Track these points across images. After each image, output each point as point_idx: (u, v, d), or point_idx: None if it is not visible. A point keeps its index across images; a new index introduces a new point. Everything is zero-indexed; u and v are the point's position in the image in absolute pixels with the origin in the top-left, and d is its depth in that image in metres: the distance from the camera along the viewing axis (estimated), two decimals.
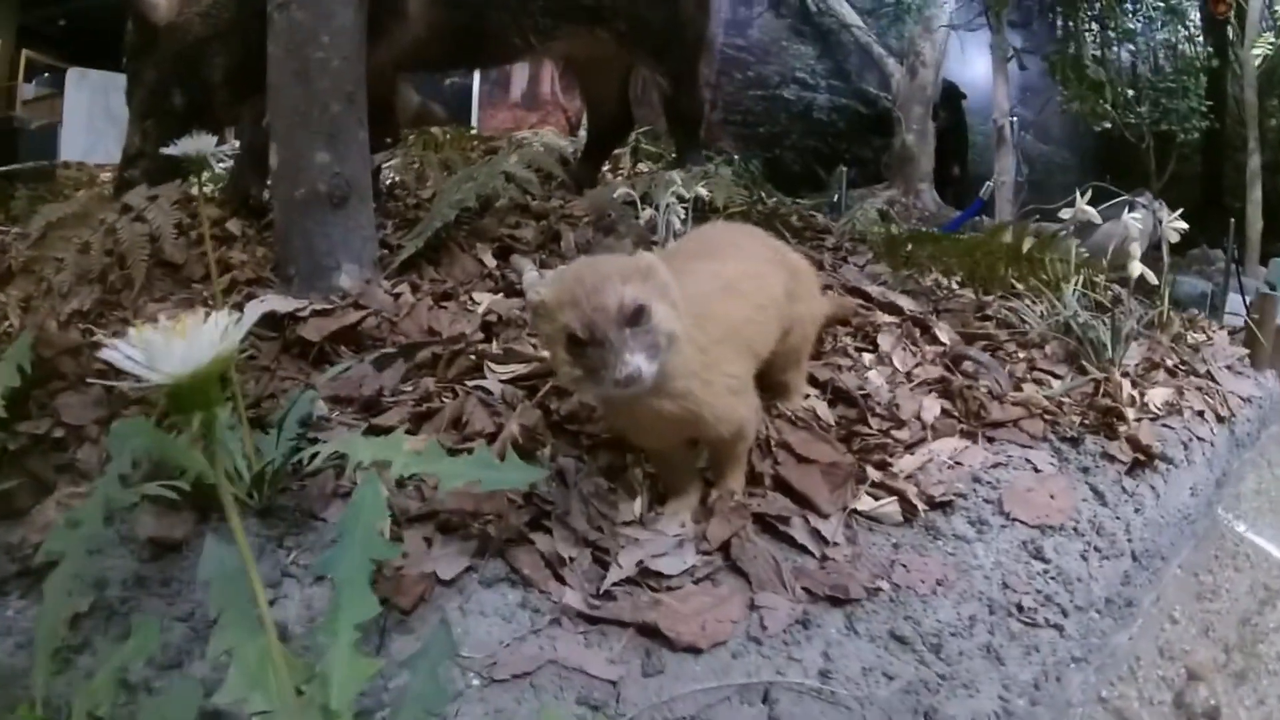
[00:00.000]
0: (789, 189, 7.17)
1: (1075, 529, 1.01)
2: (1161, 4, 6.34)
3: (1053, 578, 0.92)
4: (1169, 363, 1.66)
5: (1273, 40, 6.05)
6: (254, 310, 0.47)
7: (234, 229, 1.74)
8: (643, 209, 1.74)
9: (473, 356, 1.09)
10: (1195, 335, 2.00)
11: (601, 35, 2.25)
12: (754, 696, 0.66)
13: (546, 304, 0.68)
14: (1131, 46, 6.44)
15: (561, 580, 0.73)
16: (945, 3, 5.94)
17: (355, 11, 1.40)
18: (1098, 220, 1.83)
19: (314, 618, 0.70)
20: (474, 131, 3.20)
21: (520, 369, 1.06)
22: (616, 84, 2.49)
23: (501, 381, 1.03)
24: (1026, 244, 1.91)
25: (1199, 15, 6.50)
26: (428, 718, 0.53)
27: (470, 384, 1.02)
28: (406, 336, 1.19)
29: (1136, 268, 1.67)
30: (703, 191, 1.79)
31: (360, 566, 0.57)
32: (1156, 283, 1.77)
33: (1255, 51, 6.10)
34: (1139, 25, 6.49)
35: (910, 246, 2.10)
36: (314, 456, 0.82)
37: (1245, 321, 2.18)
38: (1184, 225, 2.07)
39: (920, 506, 0.94)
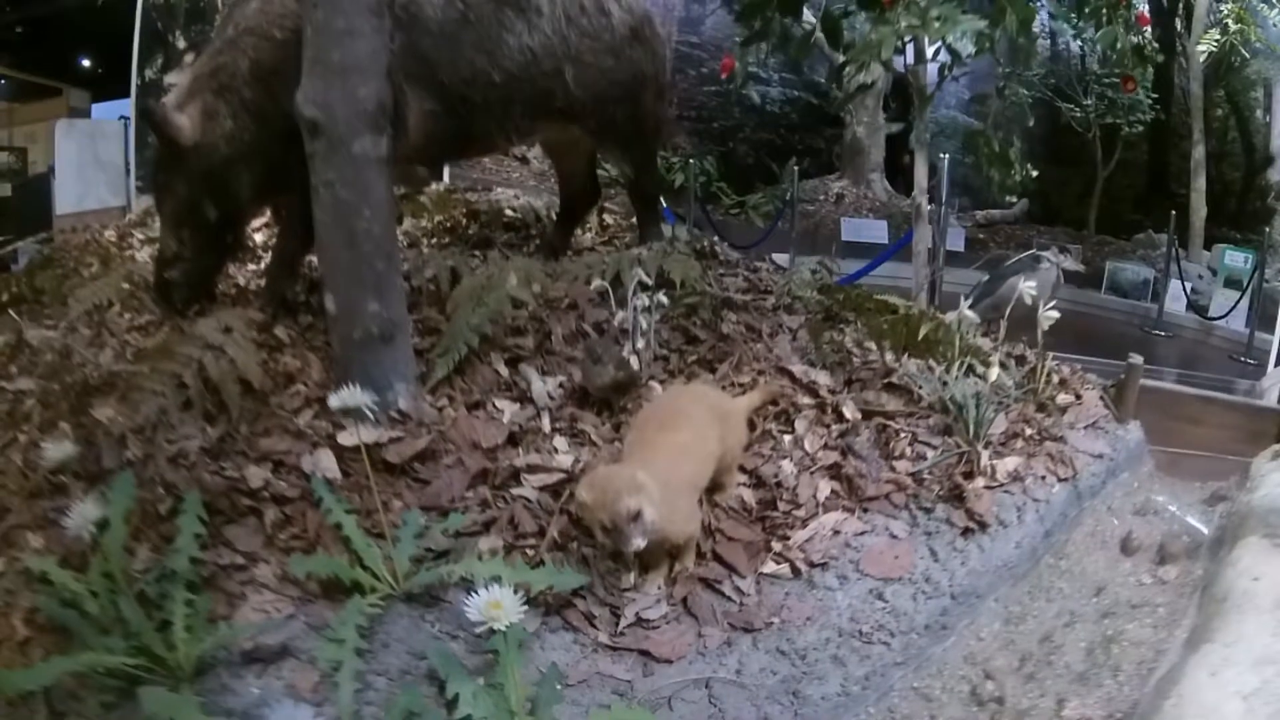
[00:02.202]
0: (743, 183, 8.01)
1: (910, 579, 1.82)
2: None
3: (888, 613, 1.73)
4: (1028, 432, 2.48)
5: (1218, 37, 7.04)
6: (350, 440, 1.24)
7: (281, 335, 2.46)
8: (615, 311, 2.49)
9: (511, 467, 1.86)
10: (1066, 396, 2.83)
11: (573, 130, 3.02)
12: (701, 685, 1.45)
13: (587, 504, 1.46)
14: (1079, 41, 7.41)
15: (595, 626, 1.51)
16: None
17: (388, 185, 2.13)
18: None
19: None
20: (450, 190, 3.93)
21: (547, 479, 1.83)
22: (585, 163, 3.27)
23: (535, 489, 1.80)
24: (924, 329, 2.72)
25: (1147, 8, 7.51)
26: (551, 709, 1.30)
27: (514, 492, 1.79)
28: (456, 446, 1.95)
29: (1047, 320, 2.49)
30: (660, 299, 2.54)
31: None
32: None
33: (1200, 47, 7.08)
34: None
35: (831, 322, 2.90)
36: (444, 567, 1.58)
37: (1111, 384, 2.99)
38: (1080, 267, 2.93)
39: (804, 568, 1.74)
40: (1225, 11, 7.08)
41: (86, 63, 11.57)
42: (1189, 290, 7.07)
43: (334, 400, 1.64)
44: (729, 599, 1.64)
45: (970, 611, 1.90)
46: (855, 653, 1.63)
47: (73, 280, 3.55)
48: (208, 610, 1.59)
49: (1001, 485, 2.21)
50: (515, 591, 1.28)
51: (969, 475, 2.19)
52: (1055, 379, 2.84)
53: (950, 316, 2.80)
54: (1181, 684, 1.63)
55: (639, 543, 1.44)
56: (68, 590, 1.63)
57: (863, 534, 1.90)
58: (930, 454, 2.25)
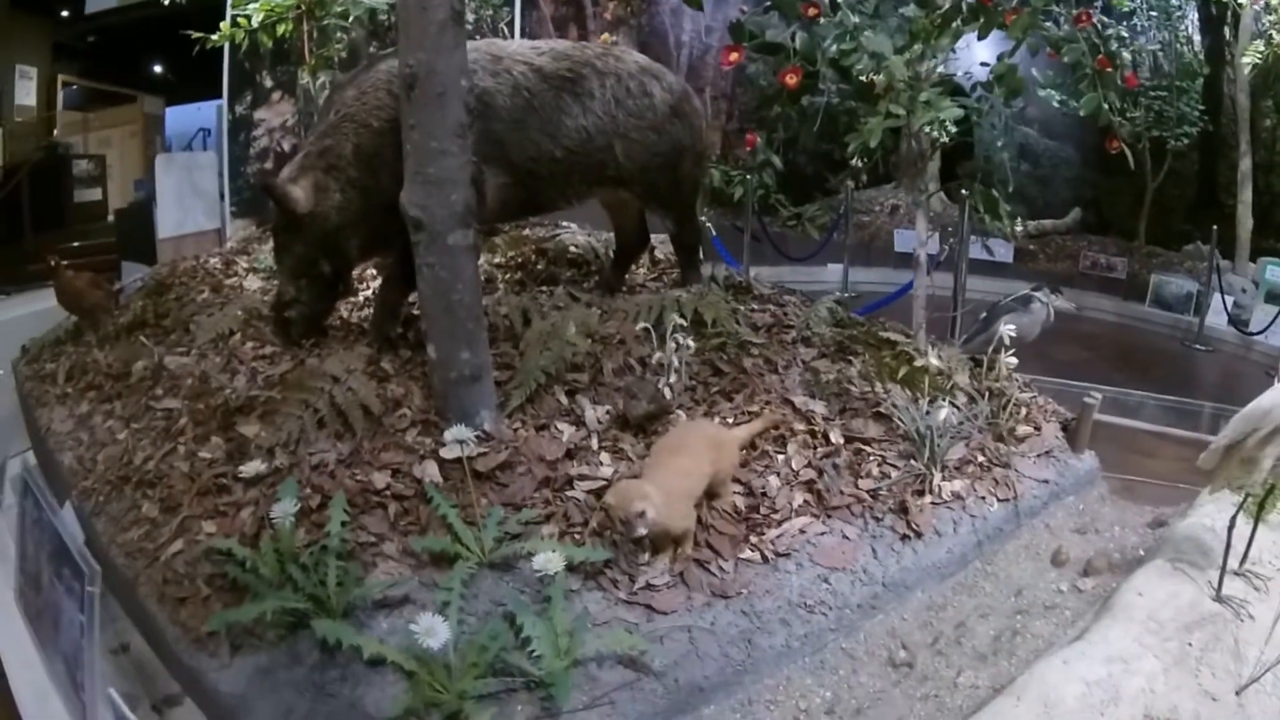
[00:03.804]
0: (802, 194, 8.78)
1: (851, 570, 2.66)
2: (1156, 12, 7.88)
3: (829, 593, 2.57)
4: (980, 459, 3.27)
5: (1261, 49, 7.56)
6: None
7: (387, 367, 3.37)
8: (655, 348, 3.33)
9: (567, 475, 2.75)
10: (1026, 427, 3.60)
11: (623, 193, 3.89)
12: (685, 630, 2.32)
13: (611, 505, 2.34)
14: (1128, 51, 8.00)
15: (616, 588, 2.39)
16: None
17: (475, 265, 3.00)
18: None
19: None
20: (521, 229, 4.84)
21: (592, 485, 2.71)
22: (635, 218, 4.15)
23: (584, 492, 2.68)
24: (903, 369, 3.53)
25: (1196, 18, 8.08)
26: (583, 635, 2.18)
27: (568, 494, 2.68)
28: (527, 459, 2.83)
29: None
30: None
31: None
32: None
33: (1245, 59, 7.61)
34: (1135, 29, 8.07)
35: (842, 355, 3.71)
36: (517, 545, 2.47)
37: (1072, 418, 3.73)
38: (1071, 306, 3.76)
39: (771, 556, 2.59)
40: (1269, 23, 7.56)
41: (158, 69, 12.67)
42: (1230, 304, 7.64)
43: (447, 435, 2.56)
44: (713, 574, 2.49)
45: (898, 599, 2.73)
46: (800, 619, 2.47)
47: (189, 306, 4.52)
48: (354, 573, 2.49)
49: (945, 503, 3.02)
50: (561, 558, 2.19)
51: (920, 494, 3.01)
52: (1022, 411, 3.64)
53: (931, 356, 3.62)
54: (1038, 666, 2.37)
55: (642, 532, 2.30)
56: (248, 560, 2.51)
57: (822, 534, 2.73)
58: (893, 474, 3.07)
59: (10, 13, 9.28)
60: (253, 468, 2.77)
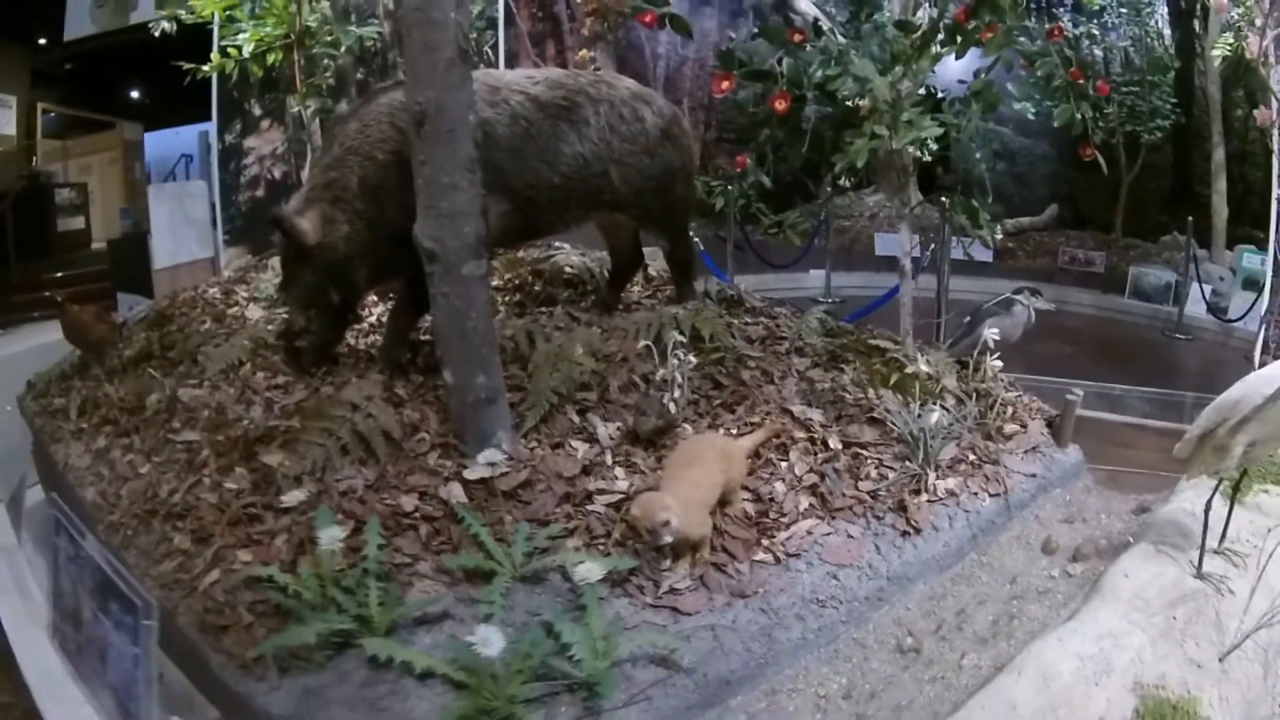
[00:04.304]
0: (782, 201, 9.01)
1: (858, 566, 2.89)
2: (1125, 8, 8.18)
3: (839, 588, 2.80)
4: (971, 458, 3.52)
5: (1230, 40, 7.84)
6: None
7: (401, 392, 3.57)
8: (657, 365, 3.56)
9: (585, 490, 2.97)
10: (1013, 426, 3.85)
11: (619, 215, 4.11)
12: (709, 629, 2.54)
13: (636, 516, 2.56)
14: (1100, 48, 8.28)
15: (642, 593, 2.61)
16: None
17: (488, 293, 3.21)
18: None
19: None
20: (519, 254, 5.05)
21: (611, 498, 2.93)
22: (630, 238, 4.38)
23: (603, 505, 2.91)
24: (894, 376, 3.77)
25: (1166, 11, 8.37)
26: (617, 638, 2.40)
27: (588, 508, 2.90)
28: (545, 476, 3.05)
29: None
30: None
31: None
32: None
33: (1215, 51, 7.89)
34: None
35: (835, 363, 3.95)
36: (546, 559, 2.69)
37: (1056, 414, 3.98)
38: (1051, 306, 4.02)
39: (783, 557, 2.82)
40: (1237, 16, 7.85)
41: (135, 95, 12.77)
42: (1208, 293, 7.93)
43: (480, 457, 2.81)
44: (730, 576, 2.72)
45: (902, 591, 2.96)
46: (813, 613, 2.70)
47: (194, 337, 4.67)
48: (394, 592, 2.69)
49: (940, 500, 3.27)
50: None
51: (916, 493, 3.25)
52: (1009, 410, 3.89)
53: (920, 361, 3.87)
54: (1035, 645, 2.62)
55: (667, 540, 2.53)
56: (289, 586, 2.68)
57: (828, 535, 2.97)
58: (891, 475, 3.31)
59: None
60: (294, 496, 2.97)
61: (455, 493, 3.02)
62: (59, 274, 9.66)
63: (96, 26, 9.38)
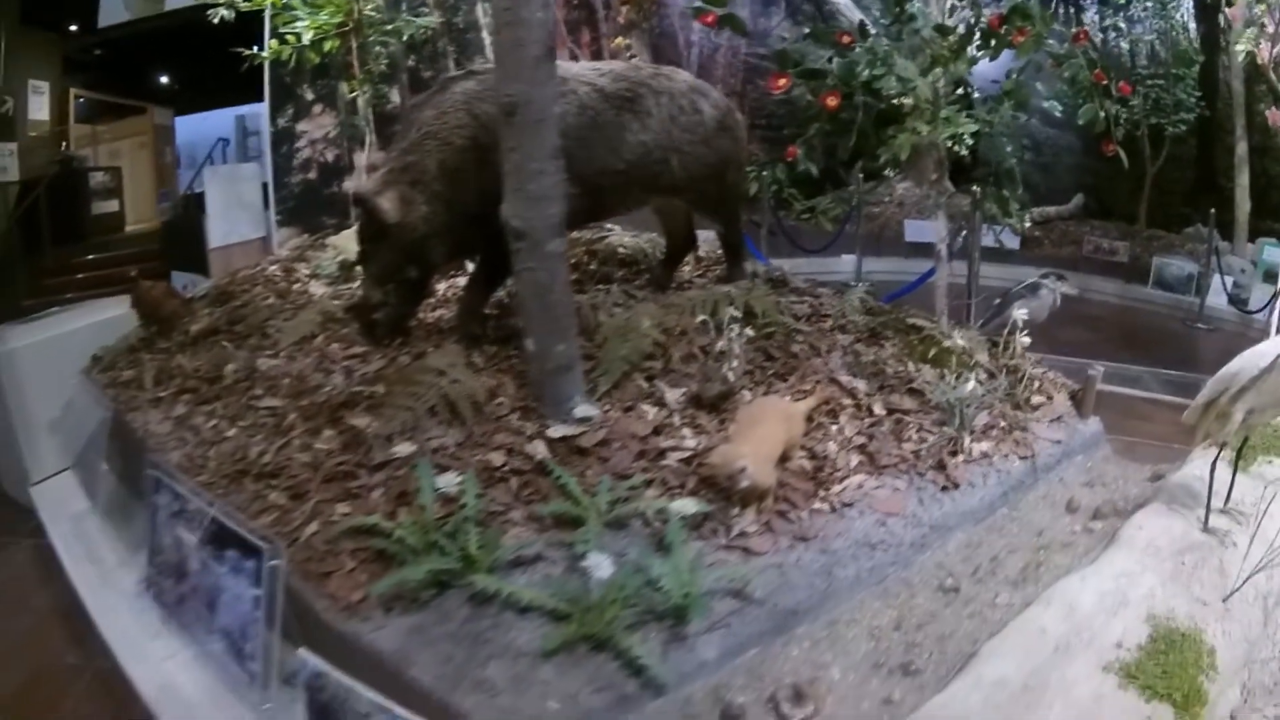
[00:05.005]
0: (814, 188, 9.47)
1: (903, 516, 3.32)
2: (1151, 2, 8.57)
3: (887, 534, 3.23)
4: (1002, 424, 3.94)
5: (1253, 35, 8.23)
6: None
7: (478, 360, 4.00)
8: (714, 338, 3.98)
9: (658, 448, 3.40)
10: (1040, 398, 4.27)
11: (676, 200, 4.54)
12: (776, 567, 2.97)
13: (716, 464, 2.99)
14: (1125, 41, 8.67)
15: (716, 536, 3.04)
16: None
17: (567, 268, 3.63)
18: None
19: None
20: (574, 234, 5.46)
21: (681, 455, 3.37)
22: (684, 221, 4.79)
23: (676, 460, 3.34)
24: (932, 350, 4.20)
25: (1191, 6, 8.75)
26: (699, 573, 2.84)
27: (662, 463, 3.33)
28: (620, 436, 3.48)
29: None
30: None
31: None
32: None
33: (1239, 46, 8.28)
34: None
35: (875, 339, 4.38)
36: (628, 506, 3.12)
37: (1079, 388, 4.41)
38: (1075, 291, 4.44)
39: (838, 506, 3.25)
40: (1260, 12, 8.23)
41: (164, 80, 13.18)
42: (1229, 284, 8.33)
43: (576, 411, 3.26)
44: (792, 522, 3.14)
45: (942, 538, 3.39)
46: (866, 555, 3.13)
47: (260, 312, 5.08)
48: (492, 537, 3.10)
49: (975, 461, 3.69)
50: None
51: (953, 454, 3.67)
52: (1035, 384, 4.32)
53: (957, 337, 4.29)
54: (1060, 583, 3.09)
55: (745, 485, 2.95)
56: (393, 533, 3.05)
57: (877, 488, 3.39)
58: (930, 439, 3.73)
59: (21, 28, 9.79)
60: (405, 448, 3.39)
61: (540, 450, 3.43)
62: (96, 256, 10.09)
63: (131, 14, 9.77)
